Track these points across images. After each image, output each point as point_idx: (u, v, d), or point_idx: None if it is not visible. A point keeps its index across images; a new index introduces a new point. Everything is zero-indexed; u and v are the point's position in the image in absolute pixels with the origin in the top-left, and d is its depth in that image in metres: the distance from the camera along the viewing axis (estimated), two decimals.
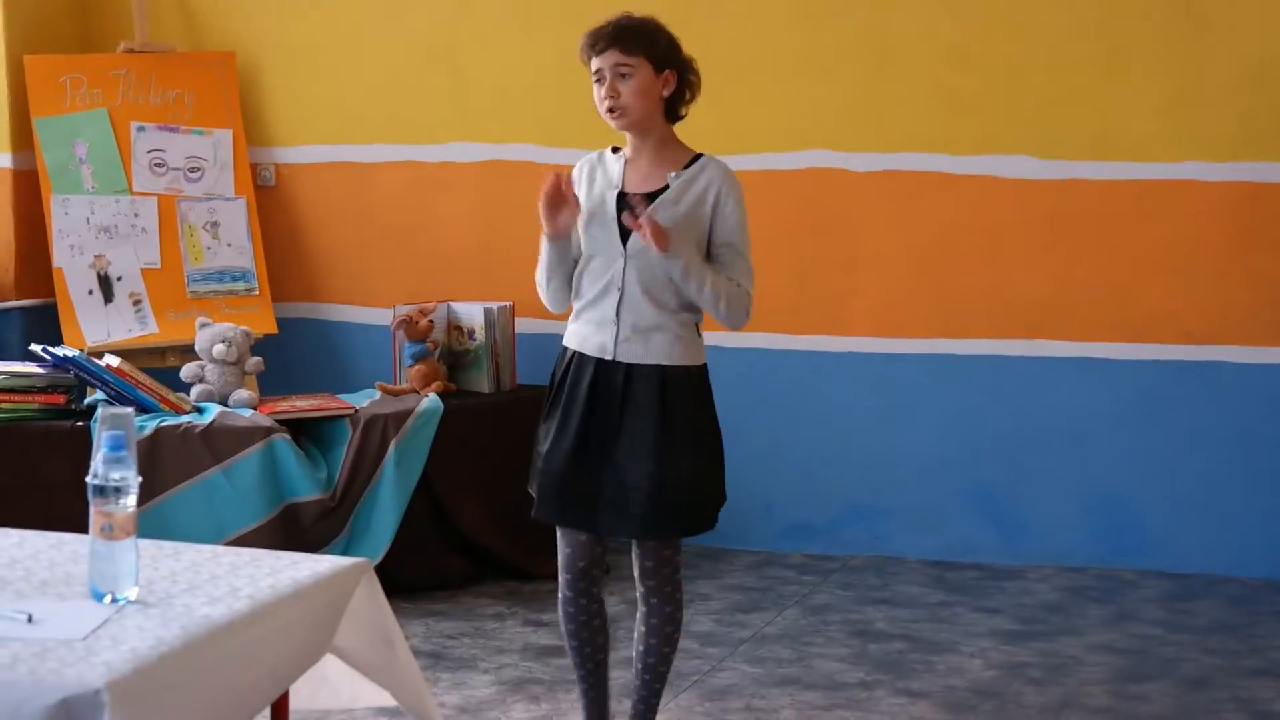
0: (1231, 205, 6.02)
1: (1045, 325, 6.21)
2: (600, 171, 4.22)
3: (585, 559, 4.23)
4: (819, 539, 6.43)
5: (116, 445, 2.68)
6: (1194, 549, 6.15)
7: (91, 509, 2.69)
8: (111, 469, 2.68)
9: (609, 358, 4.16)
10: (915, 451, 6.33)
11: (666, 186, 4.13)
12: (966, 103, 6.20)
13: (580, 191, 4.20)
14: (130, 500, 2.69)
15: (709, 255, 4.16)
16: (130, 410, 2.73)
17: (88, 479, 2.68)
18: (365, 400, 6.00)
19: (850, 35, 6.26)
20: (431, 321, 6.15)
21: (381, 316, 6.41)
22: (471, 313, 6.20)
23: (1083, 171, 6.14)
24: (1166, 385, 6.12)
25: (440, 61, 6.53)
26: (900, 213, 6.29)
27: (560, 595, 4.27)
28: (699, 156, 4.19)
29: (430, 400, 5.93)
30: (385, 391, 6.07)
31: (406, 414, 5.84)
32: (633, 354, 4.15)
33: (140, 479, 2.72)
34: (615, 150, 4.25)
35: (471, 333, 6.19)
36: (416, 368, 6.11)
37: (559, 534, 4.26)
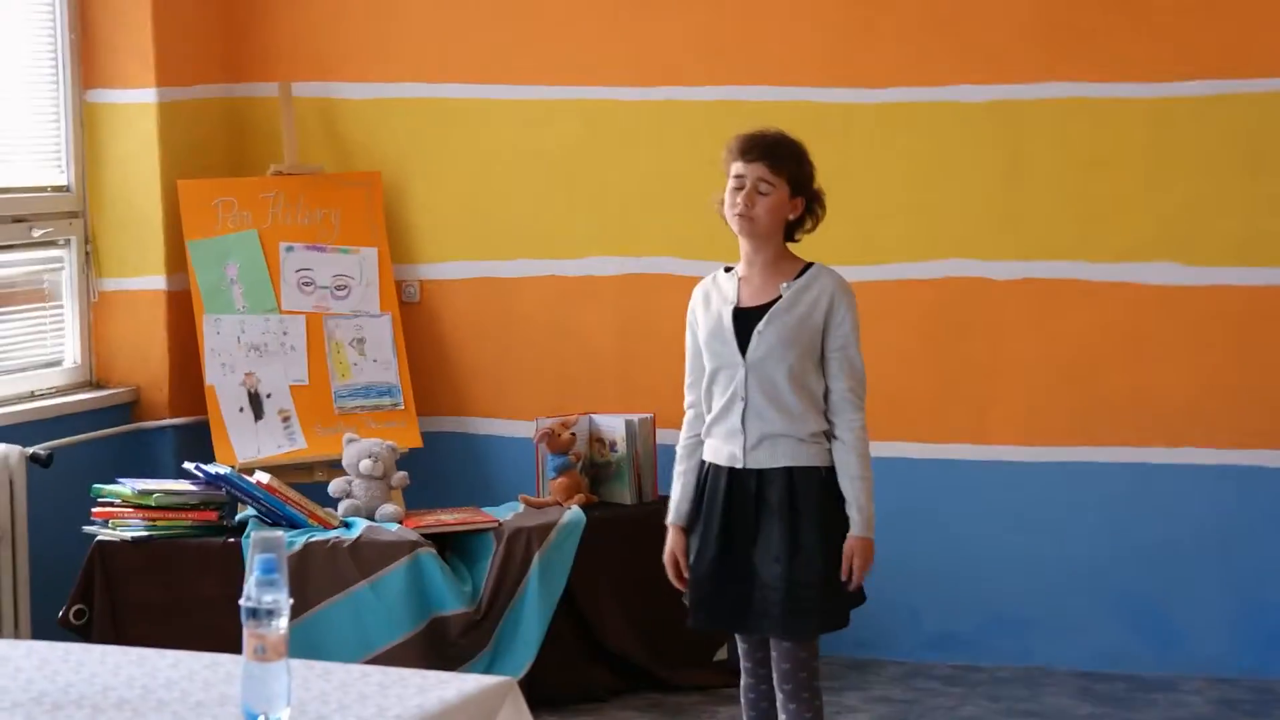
0: None
1: (1189, 433, 6.14)
2: (715, 291, 4.43)
3: (758, 652, 4.44)
4: (965, 649, 6.37)
5: (269, 568, 2.74)
6: None
7: (245, 631, 2.75)
8: (264, 591, 2.74)
9: (740, 466, 4.35)
10: (1060, 560, 6.26)
11: (779, 297, 4.25)
12: (1104, 209, 6.19)
13: (702, 311, 4.42)
14: (282, 622, 2.74)
15: (822, 359, 4.34)
16: (282, 534, 2.80)
17: (241, 601, 2.74)
18: (509, 513, 6.06)
19: (982, 143, 6.27)
20: (574, 434, 6.21)
21: (524, 429, 6.48)
22: (613, 425, 6.26)
23: (1226, 277, 6.09)
24: None
25: (578, 178, 6.63)
26: (1040, 320, 6.26)
27: (742, 687, 4.52)
28: (810, 265, 4.36)
29: (573, 512, 5.98)
30: (528, 504, 6.13)
31: (550, 526, 5.90)
32: (761, 460, 4.33)
33: (292, 600, 2.78)
34: (728, 269, 4.40)
35: (613, 444, 6.25)
36: (559, 480, 6.16)
37: (736, 640, 4.53)
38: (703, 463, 4.45)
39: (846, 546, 4.32)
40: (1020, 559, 6.30)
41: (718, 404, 4.37)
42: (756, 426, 4.31)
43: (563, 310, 6.68)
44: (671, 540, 4.48)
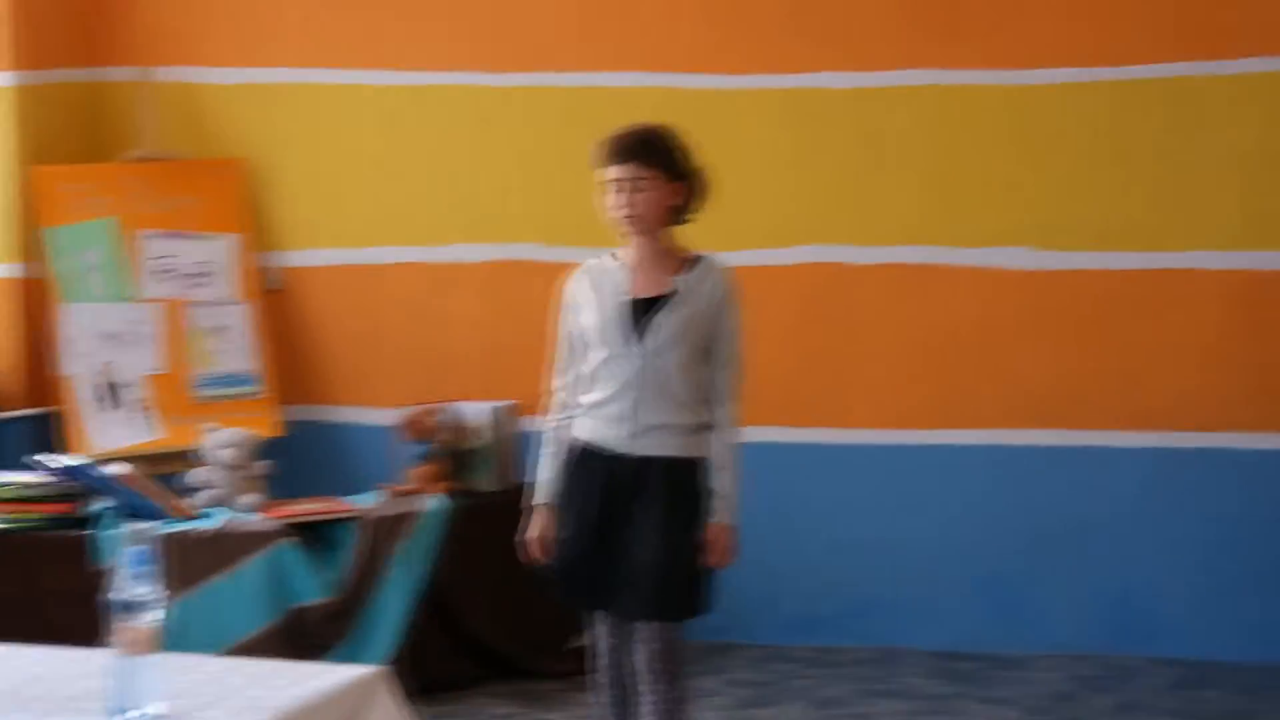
0: (1233, 293, 6.09)
1: (1050, 415, 6.25)
2: (603, 279, 4.48)
3: (617, 636, 4.49)
4: (825, 632, 6.44)
5: (140, 561, 2.71)
6: (1202, 636, 6.16)
7: (116, 624, 2.72)
8: (136, 584, 2.70)
9: (622, 451, 4.41)
10: (920, 542, 6.35)
11: (674, 290, 4.29)
12: (963, 196, 6.27)
13: (587, 298, 4.46)
14: (154, 616, 2.71)
15: (706, 347, 4.42)
16: (154, 525, 2.77)
17: (111, 595, 2.71)
18: (370, 502, 6.02)
19: (842, 130, 6.32)
20: (437, 422, 6.19)
21: (388, 418, 6.44)
22: (477, 412, 6.24)
23: (1082, 262, 6.20)
24: (1172, 473, 6.16)
25: (444, 164, 6.60)
26: (900, 305, 6.34)
27: (598, 669, 4.55)
28: (699, 258, 4.40)
29: (434, 501, 5.96)
30: (389, 493, 6.10)
31: (410, 515, 5.88)
32: (645, 447, 4.40)
33: (167, 594, 2.75)
34: (612, 256, 4.43)
35: (476, 432, 6.23)
36: (421, 468, 6.14)
37: (591, 622, 4.57)
38: (571, 441, 4.50)
39: (709, 532, 4.39)
40: (879, 542, 6.38)
41: (605, 389, 4.42)
42: (645, 415, 4.39)
43: (427, 298, 6.65)
44: (542, 519, 4.52)
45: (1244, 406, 6.10)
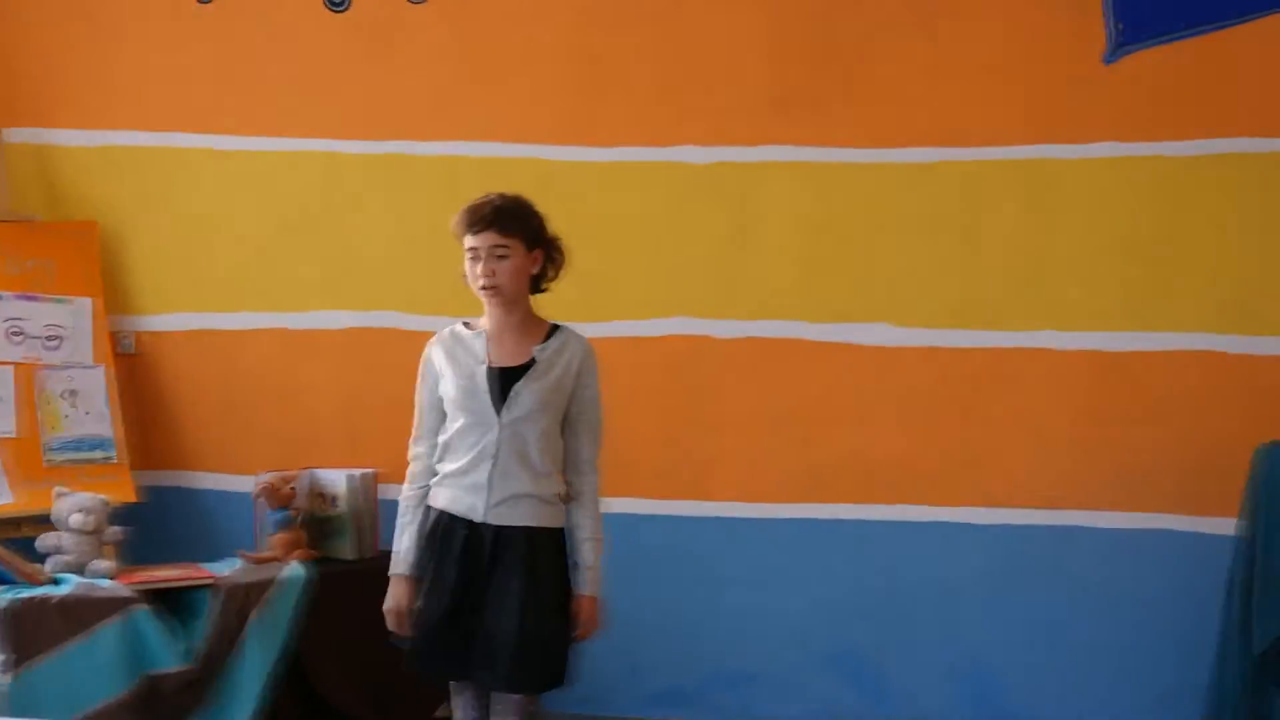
0: (1085, 373, 6.17)
1: (906, 490, 6.29)
2: (460, 348, 4.50)
3: (476, 709, 4.48)
4: (687, 704, 6.42)
5: None
6: (1056, 709, 6.20)
7: None
8: None
9: (479, 520, 4.41)
10: (780, 615, 6.35)
11: (532, 360, 4.30)
12: (826, 273, 6.32)
13: (444, 367, 4.48)
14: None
15: (565, 418, 4.49)
16: None
17: None
18: (227, 569, 5.93)
19: (707, 203, 6.36)
20: (294, 489, 6.12)
21: (245, 484, 6.36)
22: (335, 480, 6.17)
23: (938, 339, 6.27)
24: (1027, 549, 6.22)
25: (304, 230, 6.56)
26: (762, 379, 6.37)
27: None
28: (556, 328, 4.44)
29: (292, 568, 5.88)
30: (247, 560, 6.01)
31: (268, 583, 5.79)
32: (503, 517, 4.41)
33: (2, 657, 2.68)
34: (467, 325, 4.44)
35: (335, 500, 6.16)
36: (279, 535, 6.06)
37: (451, 693, 4.56)
38: (429, 510, 4.47)
39: (576, 604, 4.41)
40: (742, 614, 6.38)
41: (463, 458, 4.43)
42: (503, 485, 4.40)
43: (287, 364, 6.59)
44: (400, 590, 4.51)
45: (1096, 485, 6.18)
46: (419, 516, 4.51)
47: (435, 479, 4.50)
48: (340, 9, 6.49)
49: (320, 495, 6.21)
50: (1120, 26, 6.06)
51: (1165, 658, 6.11)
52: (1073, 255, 6.17)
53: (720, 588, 6.39)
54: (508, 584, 4.38)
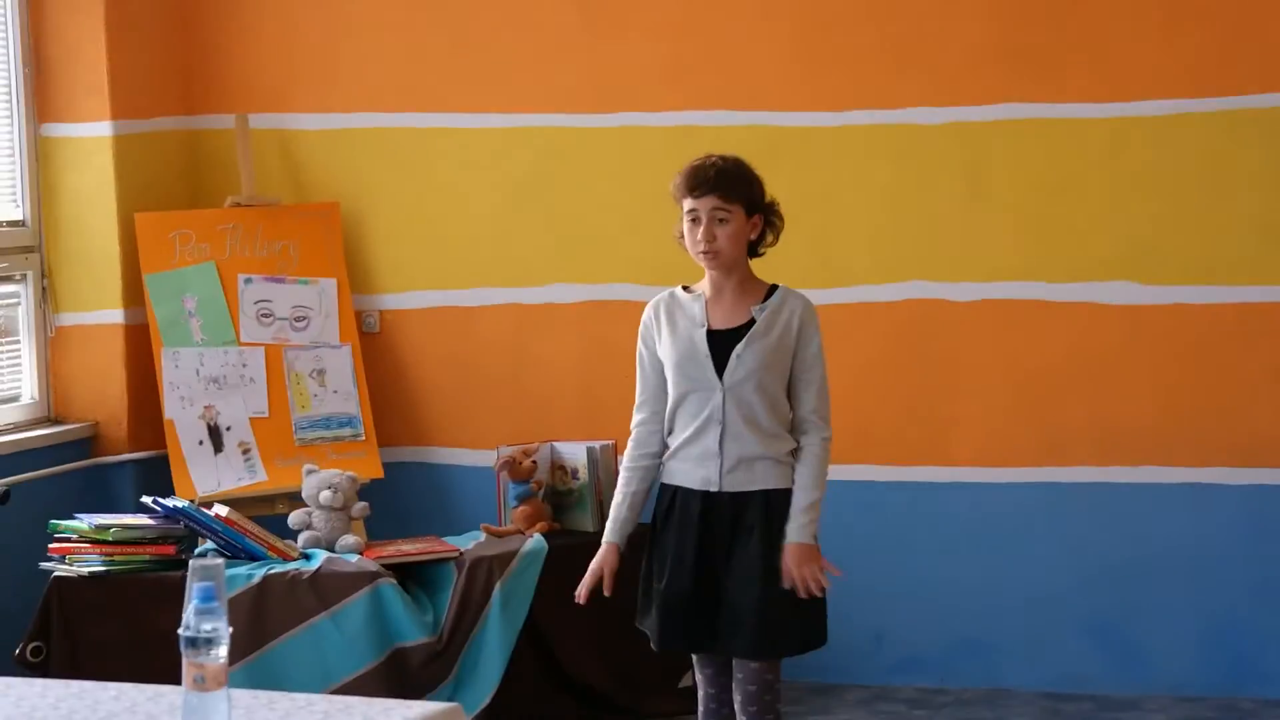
0: None
1: (1152, 452, 6.14)
2: (679, 312, 4.42)
3: (721, 676, 4.42)
4: (931, 672, 6.36)
5: (207, 596, 2.71)
6: None
7: (184, 660, 2.72)
8: (203, 620, 2.71)
9: (715, 489, 4.34)
10: (1024, 582, 6.25)
11: (752, 321, 4.27)
12: (1063, 230, 6.19)
13: (660, 332, 4.42)
14: (222, 651, 2.72)
15: (791, 378, 4.37)
16: (220, 561, 2.77)
17: (179, 630, 2.71)
18: (470, 543, 6.03)
19: (941, 165, 6.27)
20: (535, 462, 6.19)
21: (486, 459, 6.45)
22: (574, 452, 6.23)
23: (1184, 296, 6.10)
24: (1278, 509, 6.02)
25: (536, 205, 6.62)
26: (1000, 342, 6.27)
27: (701, 713, 4.49)
28: (775, 288, 4.39)
29: (535, 541, 5.95)
30: (490, 533, 6.11)
31: (511, 555, 5.87)
32: (738, 483, 4.34)
33: (231, 629, 2.75)
34: (686, 289, 4.39)
35: (575, 472, 6.22)
36: (521, 509, 6.14)
37: (694, 666, 4.51)
38: (663, 487, 4.45)
39: (790, 553, 4.29)
40: (984, 581, 6.29)
41: (689, 427, 4.38)
42: (734, 449, 4.33)
43: (523, 338, 6.66)
44: (608, 557, 4.48)
45: None
46: (642, 487, 4.47)
47: (667, 454, 4.44)
48: None
49: (560, 468, 6.27)
50: None
51: None
52: None
53: (962, 554, 6.31)
54: (748, 550, 4.31)
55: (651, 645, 4.47)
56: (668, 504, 4.43)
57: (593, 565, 4.49)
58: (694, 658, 4.51)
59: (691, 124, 6.42)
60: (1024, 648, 6.28)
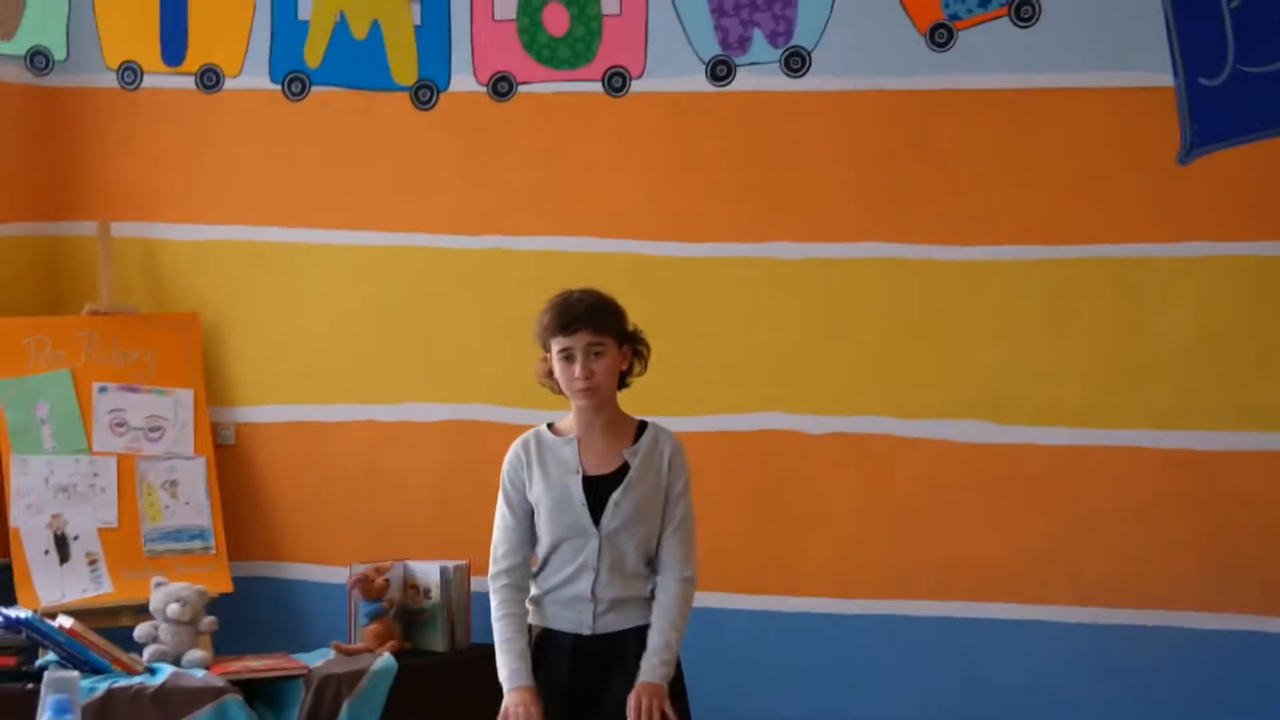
0: (1176, 471, 6.10)
1: (998, 588, 6.23)
2: (550, 456, 4.34)
3: None
4: None
5: (61, 709, 2.70)
6: None
7: None
8: None
9: (588, 633, 4.32)
10: (868, 714, 6.30)
11: (625, 465, 4.26)
12: (918, 368, 6.31)
13: (531, 476, 4.34)
14: None
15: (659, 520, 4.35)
16: (75, 674, 2.76)
17: None
18: (320, 660, 5.98)
19: (798, 299, 6.38)
20: (388, 580, 6.16)
21: (338, 575, 6.41)
22: (428, 571, 6.22)
23: (1031, 437, 6.23)
24: (1119, 648, 6.12)
25: (399, 323, 6.63)
26: (852, 474, 6.35)
27: None
28: (644, 425, 4.34)
29: (384, 659, 5.91)
30: (340, 651, 6.06)
31: (360, 673, 5.83)
32: (612, 624, 4.33)
33: None
34: (551, 428, 4.35)
35: (427, 591, 6.20)
36: (371, 627, 6.10)
37: None
38: (530, 629, 4.40)
39: (638, 692, 4.24)
40: (829, 712, 6.32)
41: (560, 573, 4.35)
42: (607, 594, 4.31)
43: (379, 455, 6.65)
44: (524, 699, 4.29)
45: (1190, 584, 6.09)
46: (522, 634, 4.35)
47: (531, 595, 4.40)
48: (427, 108, 6.59)
49: (413, 586, 6.25)
50: (1195, 128, 6.04)
51: None
52: (1161, 354, 6.12)
53: (808, 683, 6.35)
54: (621, 688, 4.28)
55: None
56: (536, 648, 4.38)
57: (524, 713, 4.28)
58: None
59: (556, 249, 6.49)
60: None
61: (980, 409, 6.27)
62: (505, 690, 4.33)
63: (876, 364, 6.35)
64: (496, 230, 6.58)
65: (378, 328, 6.66)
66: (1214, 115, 6.02)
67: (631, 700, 4.25)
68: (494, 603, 4.39)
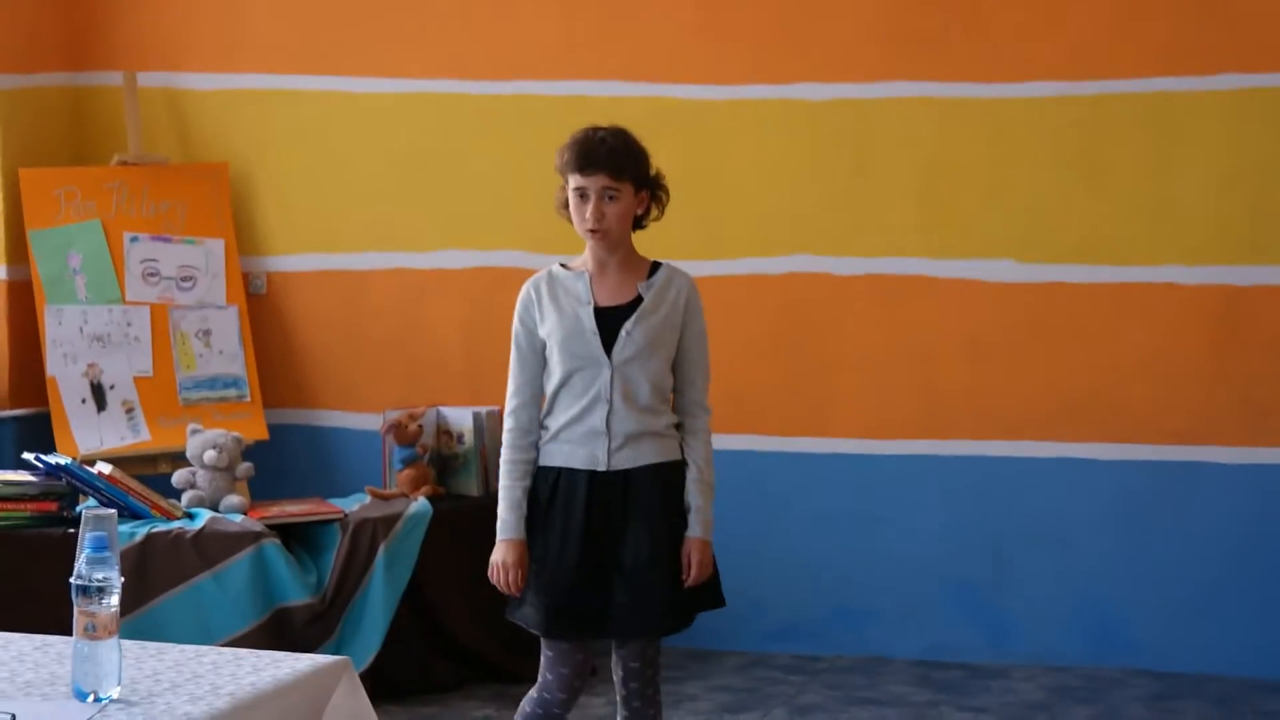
0: (1208, 307, 6.11)
1: (1028, 427, 6.27)
2: (561, 290, 4.28)
3: (580, 677, 4.30)
4: (806, 640, 6.46)
5: (99, 545, 2.73)
6: (1178, 648, 6.18)
7: (75, 608, 2.74)
8: (95, 569, 2.73)
9: (603, 468, 4.23)
10: (900, 552, 6.37)
11: (639, 298, 4.24)
12: (947, 209, 6.30)
13: (542, 311, 4.28)
14: (113, 600, 2.74)
15: (677, 357, 4.30)
16: (113, 511, 2.79)
17: (71, 579, 2.73)
18: (355, 505, 6.05)
19: (827, 141, 6.36)
20: (421, 426, 6.21)
21: (372, 422, 6.48)
22: (460, 417, 6.27)
23: (1063, 275, 6.23)
24: (1149, 486, 6.17)
25: (428, 171, 6.64)
26: (882, 316, 6.37)
27: (544, 711, 4.30)
28: (658, 265, 4.30)
29: (419, 504, 5.98)
30: (375, 496, 6.13)
31: (395, 518, 5.90)
32: (627, 460, 4.23)
33: (123, 579, 2.78)
34: (565, 266, 4.32)
35: (460, 437, 6.26)
36: (406, 472, 6.16)
37: (554, 653, 4.29)
38: (544, 470, 4.28)
39: (687, 547, 4.23)
40: (861, 551, 6.40)
41: (573, 406, 4.25)
42: (621, 427, 4.23)
43: (411, 303, 6.68)
44: (514, 553, 4.24)
45: (1220, 419, 6.12)
46: (528, 480, 4.26)
47: (546, 436, 4.29)
48: None
49: (446, 432, 6.30)
50: None
51: None
52: (1197, 190, 6.09)
53: (839, 524, 6.42)
54: (641, 527, 4.21)
55: (536, 633, 4.29)
56: (550, 488, 4.28)
57: (511, 561, 4.23)
58: (548, 656, 4.32)
59: (584, 94, 6.46)
60: (899, 617, 6.40)
61: (1009, 248, 6.26)
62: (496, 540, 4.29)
63: (905, 205, 6.34)
64: (524, 75, 6.55)
65: (407, 175, 6.66)
66: None
67: (690, 553, 4.22)
68: (504, 445, 4.33)
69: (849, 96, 6.33)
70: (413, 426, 6.19)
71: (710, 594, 4.33)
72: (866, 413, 6.40)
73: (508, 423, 4.32)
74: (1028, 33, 6.21)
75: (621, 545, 4.21)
